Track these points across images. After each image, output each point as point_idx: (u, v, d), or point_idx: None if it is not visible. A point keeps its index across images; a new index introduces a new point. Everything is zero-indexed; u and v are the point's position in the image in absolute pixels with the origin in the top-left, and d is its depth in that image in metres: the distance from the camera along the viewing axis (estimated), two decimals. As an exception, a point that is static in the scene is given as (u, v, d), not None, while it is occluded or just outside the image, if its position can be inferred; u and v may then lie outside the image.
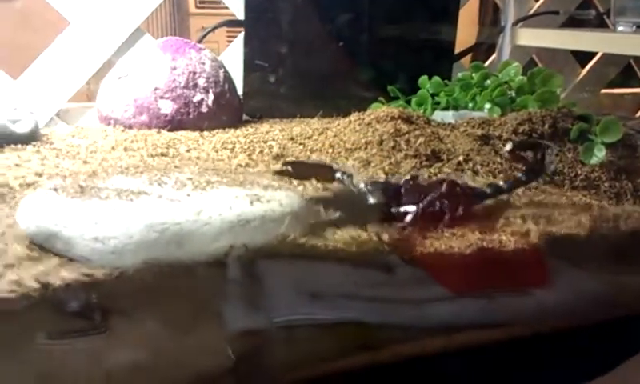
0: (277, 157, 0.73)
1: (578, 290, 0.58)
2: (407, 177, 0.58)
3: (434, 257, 0.52)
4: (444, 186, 0.56)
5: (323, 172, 0.63)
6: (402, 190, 0.56)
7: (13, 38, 1.13)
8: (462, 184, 0.58)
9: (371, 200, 0.54)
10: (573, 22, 1.30)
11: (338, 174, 0.62)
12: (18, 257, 0.46)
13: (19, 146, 0.74)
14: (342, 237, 0.52)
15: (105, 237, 0.45)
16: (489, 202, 0.60)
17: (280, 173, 0.63)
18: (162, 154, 0.74)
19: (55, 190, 0.51)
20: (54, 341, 0.43)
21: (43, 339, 0.43)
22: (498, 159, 0.74)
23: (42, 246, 0.47)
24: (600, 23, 1.32)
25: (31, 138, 0.76)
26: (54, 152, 0.72)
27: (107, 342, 0.44)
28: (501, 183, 0.60)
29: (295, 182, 0.63)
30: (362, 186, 0.57)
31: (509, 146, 0.62)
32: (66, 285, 0.43)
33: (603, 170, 0.74)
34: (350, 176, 0.61)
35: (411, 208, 0.54)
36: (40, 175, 0.62)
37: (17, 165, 0.65)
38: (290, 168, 0.63)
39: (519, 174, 0.61)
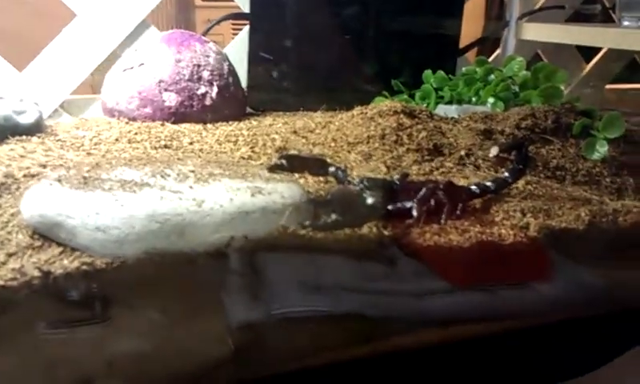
0: (279, 150, 0.74)
1: (576, 283, 0.58)
2: (397, 175, 0.58)
3: (438, 250, 0.53)
4: (441, 184, 0.57)
5: (317, 166, 0.63)
6: (396, 187, 0.56)
7: (19, 29, 1.14)
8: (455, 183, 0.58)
9: (367, 196, 0.54)
10: (578, 17, 1.29)
11: (332, 169, 0.62)
12: (21, 246, 0.46)
13: (24, 137, 0.74)
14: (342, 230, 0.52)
15: (107, 227, 0.45)
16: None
17: (274, 167, 0.62)
18: (166, 146, 0.74)
19: (59, 180, 0.51)
20: (56, 330, 0.44)
21: (45, 328, 0.44)
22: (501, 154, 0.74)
23: (45, 235, 0.48)
24: (606, 18, 1.32)
25: (36, 129, 0.77)
26: (58, 143, 0.73)
27: (109, 330, 0.44)
28: (488, 183, 0.60)
29: (297, 174, 0.63)
30: (356, 181, 0.56)
31: (494, 151, 0.62)
32: (67, 274, 0.44)
33: (605, 165, 0.74)
34: (344, 171, 0.61)
35: (409, 205, 0.54)
36: (44, 166, 0.62)
37: (21, 156, 0.66)
38: (284, 162, 0.62)
39: (505, 174, 0.61)
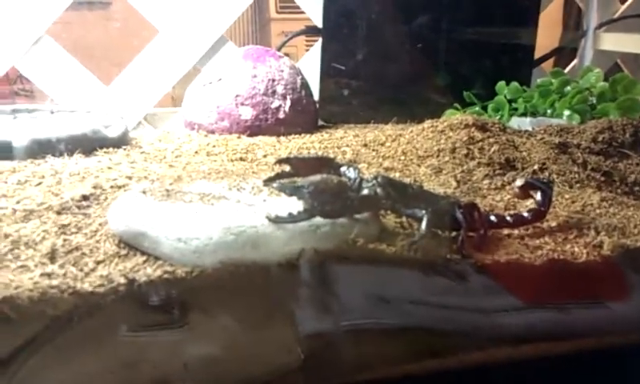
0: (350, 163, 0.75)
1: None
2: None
3: (509, 267, 0.53)
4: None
5: (325, 166, 0.60)
6: (412, 192, 0.55)
7: (107, 46, 1.20)
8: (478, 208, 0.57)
9: (363, 187, 0.53)
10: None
11: (343, 168, 0.59)
12: (108, 254, 0.50)
13: (111, 149, 0.79)
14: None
15: (187, 237, 0.48)
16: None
17: (276, 177, 0.59)
18: (241, 159, 0.77)
19: (144, 192, 0.55)
20: (138, 333, 0.47)
21: (127, 331, 0.46)
22: (576, 168, 0.73)
23: (130, 244, 0.51)
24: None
25: (122, 141, 0.81)
26: (142, 156, 0.77)
27: (186, 335, 0.47)
28: (508, 218, 0.58)
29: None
30: (370, 178, 0.55)
31: (519, 182, 0.61)
32: (150, 281, 0.46)
33: (687, 181, 0.71)
34: (357, 169, 0.58)
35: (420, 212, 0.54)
36: (130, 178, 0.66)
37: (108, 167, 0.70)
38: (286, 167, 0.59)
39: (525, 214, 0.59)
